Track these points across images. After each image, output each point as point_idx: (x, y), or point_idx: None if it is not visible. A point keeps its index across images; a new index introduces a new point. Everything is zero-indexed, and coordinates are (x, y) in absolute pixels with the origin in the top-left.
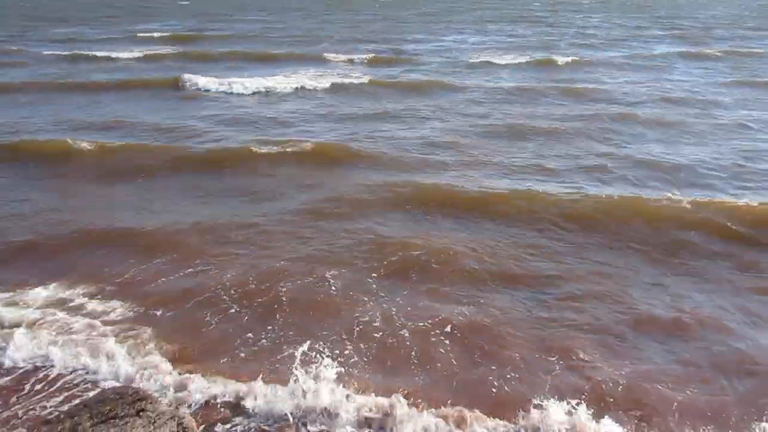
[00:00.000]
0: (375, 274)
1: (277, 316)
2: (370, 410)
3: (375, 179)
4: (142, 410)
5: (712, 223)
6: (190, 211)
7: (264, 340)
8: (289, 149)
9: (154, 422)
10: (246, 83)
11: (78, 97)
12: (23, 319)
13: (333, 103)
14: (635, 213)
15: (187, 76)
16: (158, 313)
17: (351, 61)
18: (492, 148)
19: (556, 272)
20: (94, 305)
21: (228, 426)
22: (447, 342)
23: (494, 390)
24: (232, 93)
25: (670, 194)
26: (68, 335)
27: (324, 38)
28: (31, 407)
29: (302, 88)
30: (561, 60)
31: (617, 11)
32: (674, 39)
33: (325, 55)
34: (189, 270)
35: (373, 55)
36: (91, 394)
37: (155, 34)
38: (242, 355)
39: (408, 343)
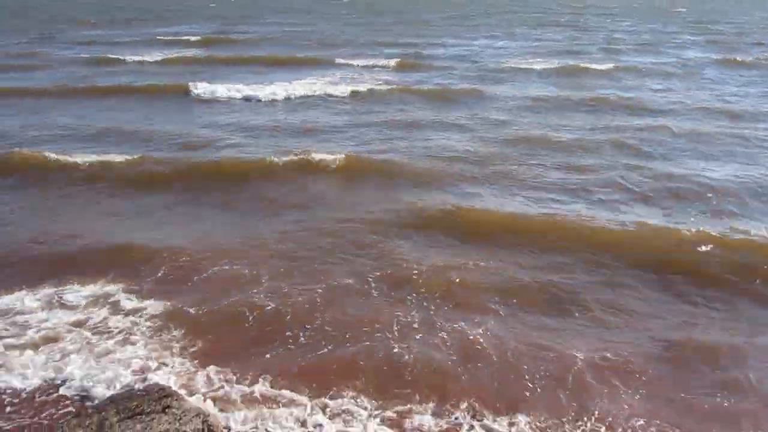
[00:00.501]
0: (393, 300)
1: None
2: None
3: (397, 196)
4: (168, 407)
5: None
6: (199, 227)
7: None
8: (308, 160)
9: (180, 419)
10: (266, 90)
11: (91, 101)
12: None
13: (356, 110)
14: (659, 243)
15: (201, 84)
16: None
17: (375, 67)
18: (519, 162)
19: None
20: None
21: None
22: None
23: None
24: (250, 100)
25: (702, 227)
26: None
27: (348, 42)
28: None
29: (324, 95)
30: (592, 66)
31: (647, 15)
32: (707, 45)
33: (349, 60)
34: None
35: (398, 60)
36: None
37: (180, 37)
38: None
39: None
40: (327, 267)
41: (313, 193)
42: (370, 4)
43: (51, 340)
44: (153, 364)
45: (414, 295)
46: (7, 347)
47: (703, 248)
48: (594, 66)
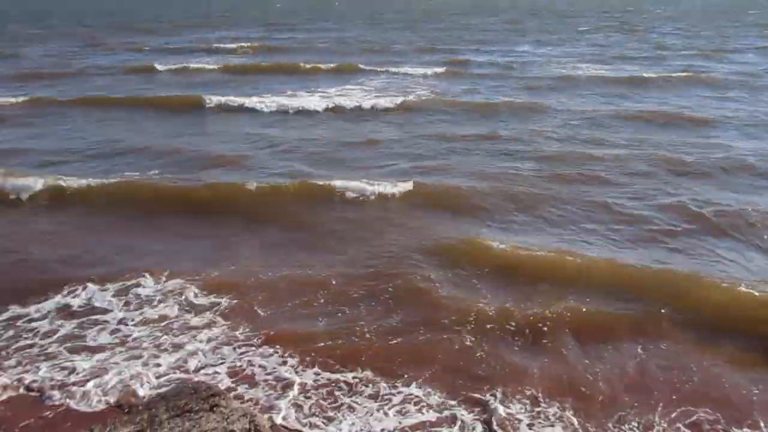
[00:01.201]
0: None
1: None
2: None
3: (441, 231)
4: (216, 405)
5: None
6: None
7: None
8: (347, 187)
9: (227, 418)
10: (304, 100)
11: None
12: None
13: (404, 124)
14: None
15: (214, 97)
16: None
17: (420, 75)
18: (585, 192)
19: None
20: None
21: None
22: None
23: None
24: (287, 111)
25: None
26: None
27: (397, 49)
28: None
29: (370, 107)
30: (647, 75)
31: (706, 18)
32: None
33: (396, 68)
34: None
35: (446, 68)
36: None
37: (231, 45)
38: None
39: None
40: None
41: (345, 225)
42: (416, 10)
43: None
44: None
45: None
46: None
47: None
48: (655, 74)
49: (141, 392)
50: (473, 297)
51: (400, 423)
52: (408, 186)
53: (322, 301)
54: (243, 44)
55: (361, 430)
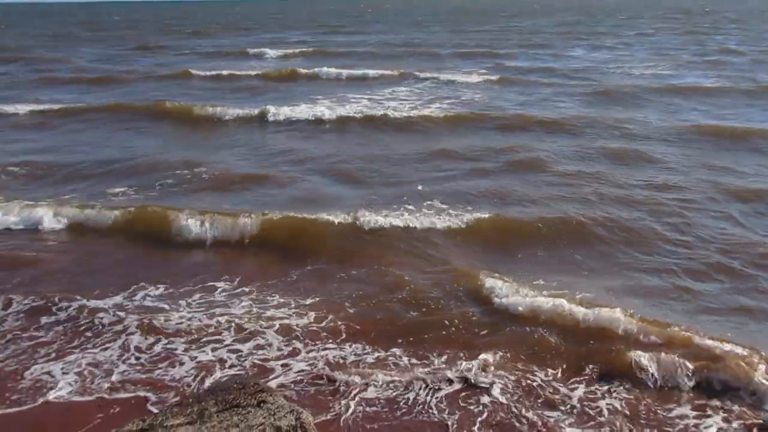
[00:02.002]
0: None
1: None
2: None
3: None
4: (263, 402)
5: None
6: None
7: None
8: (407, 222)
9: (274, 414)
10: (338, 110)
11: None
12: None
13: (451, 138)
14: None
15: (271, 108)
16: None
17: (478, 84)
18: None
19: None
20: None
21: None
22: None
23: None
24: (324, 121)
25: None
26: None
27: (444, 54)
28: None
29: (419, 117)
30: (732, 85)
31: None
32: None
33: (443, 74)
34: None
35: (499, 76)
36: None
37: (275, 51)
38: None
39: None
40: None
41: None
42: (464, 10)
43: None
44: None
45: None
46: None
47: None
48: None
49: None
50: None
51: None
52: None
53: None
54: (289, 50)
55: None
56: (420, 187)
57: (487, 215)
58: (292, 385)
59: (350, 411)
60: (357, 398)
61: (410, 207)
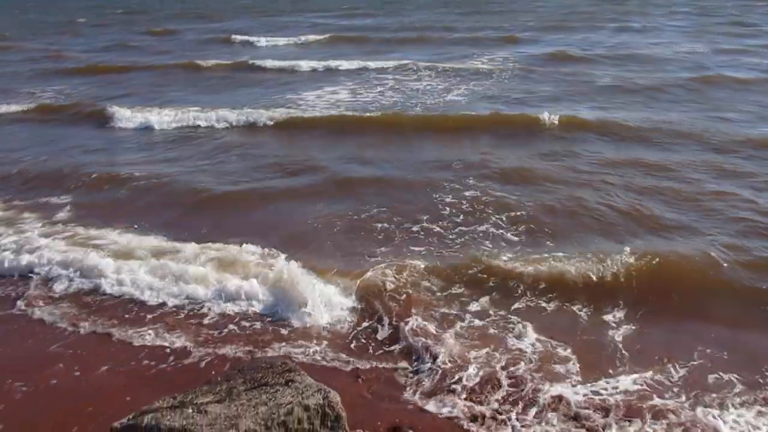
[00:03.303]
0: None
1: None
2: None
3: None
4: (291, 381)
5: None
6: None
7: None
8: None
9: (302, 393)
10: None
11: None
12: None
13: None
14: None
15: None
16: None
17: (494, 72)
18: None
19: None
20: None
21: None
22: None
23: None
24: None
25: None
26: None
27: (461, 38)
28: None
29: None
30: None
31: None
32: None
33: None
34: None
35: (520, 63)
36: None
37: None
38: None
39: None
40: None
41: None
42: None
43: None
44: None
45: None
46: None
47: None
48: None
49: None
50: None
51: None
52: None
53: None
54: (303, 37)
55: None
56: None
57: None
58: None
59: None
60: None
61: None
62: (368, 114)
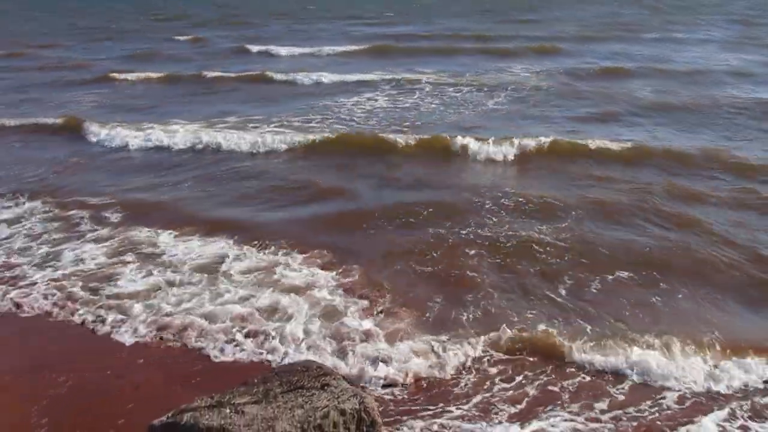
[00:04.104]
0: None
1: None
2: None
3: None
4: (327, 385)
5: None
6: None
7: None
8: None
9: (338, 397)
10: None
11: None
12: None
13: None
14: None
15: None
16: None
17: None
18: None
19: None
20: None
21: None
22: None
23: None
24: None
25: None
26: None
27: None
28: None
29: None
30: None
31: None
32: None
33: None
34: None
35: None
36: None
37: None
38: None
39: None
40: None
41: None
42: None
43: None
44: None
45: None
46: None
47: None
48: None
49: None
50: None
51: None
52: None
53: None
54: (347, 47)
55: None
56: None
57: None
58: None
59: None
60: None
61: None
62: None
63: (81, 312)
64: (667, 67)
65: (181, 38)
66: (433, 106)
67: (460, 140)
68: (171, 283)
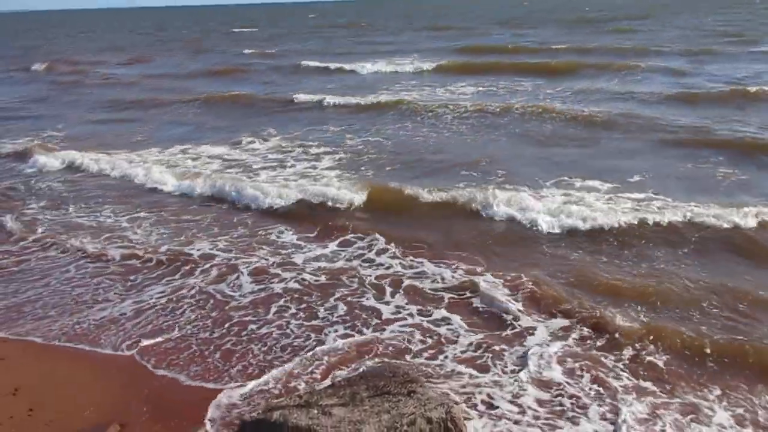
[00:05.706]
0: None
1: None
2: None
3: None
4: (413, 392)
5: None
6: None
7: None
8: None
9: (425, 405)
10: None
11: None
12: None
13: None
14: None
15: None
16: None
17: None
18: None
19: None
20: None
21: None
22: None
23: None
24: None
25: None
26: None
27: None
28: None
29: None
30: None
31: None
32: None
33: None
34: None
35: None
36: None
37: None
38: None
39: None
40: None
41: None
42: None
43: None
44: None
45: None
46: None
47: None
48: None
49: None
50: None
51: None
52: None
53: None
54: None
55: None
56: None
57: None
58: None
59: None
60: None
61: None
62: None
63: None
64: None
65: None
66: None
67: None
68: None
